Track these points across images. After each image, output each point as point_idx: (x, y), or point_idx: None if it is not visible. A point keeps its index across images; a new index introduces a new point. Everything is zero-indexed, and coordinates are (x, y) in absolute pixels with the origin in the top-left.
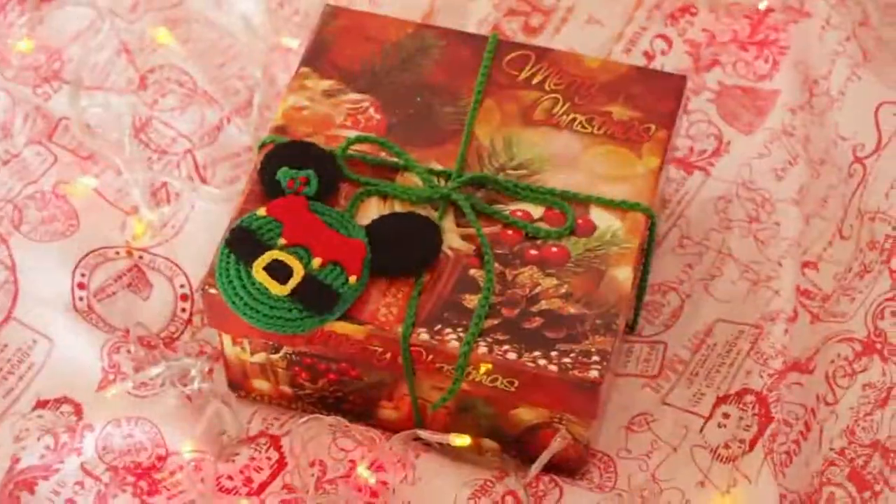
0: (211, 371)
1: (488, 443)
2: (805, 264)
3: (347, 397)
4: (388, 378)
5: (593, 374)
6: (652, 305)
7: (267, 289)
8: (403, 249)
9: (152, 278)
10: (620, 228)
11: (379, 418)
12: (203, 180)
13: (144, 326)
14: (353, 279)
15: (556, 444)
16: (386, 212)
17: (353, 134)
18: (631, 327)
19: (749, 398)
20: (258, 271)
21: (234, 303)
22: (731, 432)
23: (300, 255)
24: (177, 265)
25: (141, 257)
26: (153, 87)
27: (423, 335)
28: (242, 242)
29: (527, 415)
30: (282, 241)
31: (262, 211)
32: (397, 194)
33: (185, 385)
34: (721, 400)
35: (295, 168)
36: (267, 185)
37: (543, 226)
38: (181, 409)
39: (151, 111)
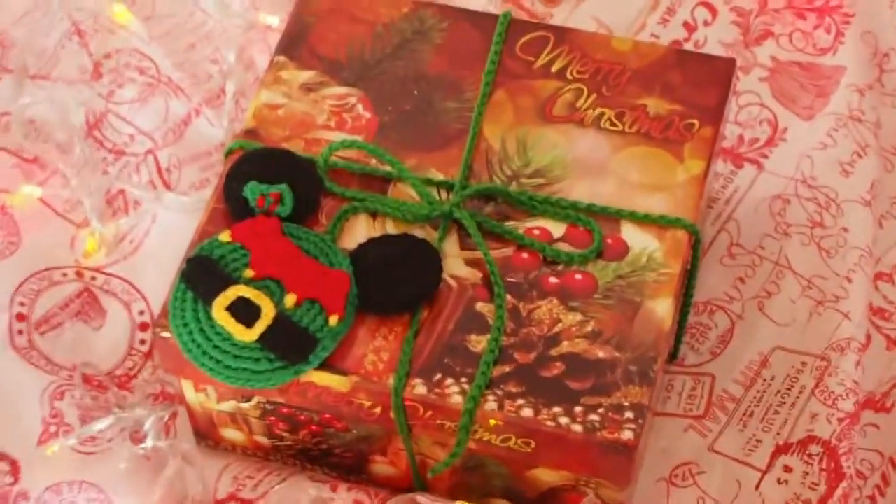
0: (174, 416)
1: None
2: (878, 276)
3: (333, 450)
4: (379, 432)
5: (627, 435)
6: (696, 328)
7: (230, 333)
8: (396, 281)
9: (106, 304)
10: (658, 250)
11: (372, 474)
12: (167, 186)
13: (93, 366)
14: (333, 320)
15: None
16: (376, 233)
17: (336, 138)
18: (672, 355)
19: (815, 448)
20: (219, 312)
21: (190, 350)
22: (794, 490)
23: (271, 290)
24: (135, 288)
25: (93, 279)
26: (109, 75)
27: (420, 388)
28: (201, 276)
29: (547, 476)
30: (249, 272)
31: (225, 235)
32: (389, 211)
33: (139, 441)
34: (781, 449)
35: (266, 182)
36: (232, 202)
37: (565, 247)
38: (135, 469)
39: (107, 104)
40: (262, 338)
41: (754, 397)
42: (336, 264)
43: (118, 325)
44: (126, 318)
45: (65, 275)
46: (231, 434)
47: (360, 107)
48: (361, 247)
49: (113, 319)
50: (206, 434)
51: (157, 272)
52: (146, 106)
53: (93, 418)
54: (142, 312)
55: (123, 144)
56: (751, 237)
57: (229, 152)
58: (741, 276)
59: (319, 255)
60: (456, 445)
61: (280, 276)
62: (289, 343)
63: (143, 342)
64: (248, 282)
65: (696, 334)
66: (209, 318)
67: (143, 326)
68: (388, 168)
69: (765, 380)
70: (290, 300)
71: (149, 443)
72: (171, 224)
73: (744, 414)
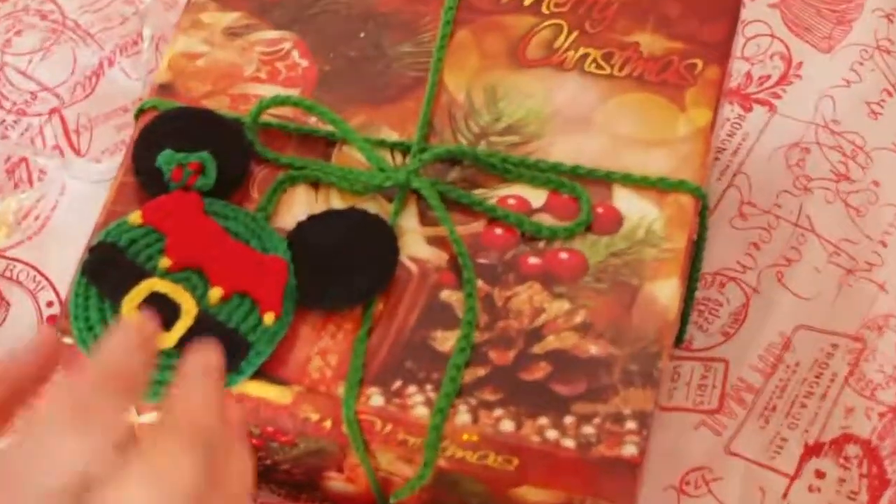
0: None
1: None
2: None
3: (279, 466)
4: (332, 446)
5: (629, 451)
6: (704, 304)
7: None
8: (342, 270)
9: (8, 294)
10: (658, 219)
11: (328, 491)
12: (76, 151)
13: None
14: (269, 318)
15: None
16: (318, 208)
17: (268, 92)
18: (677, 338)
19: (852, 449)
20: (131, 313)
21: None
22: (829, 500)
23: (192, 283)
24: (42, 274)
25: None
26: (5, 21)
27: (376, 398)
28: (106, 268)
29: (534, 496)
30: (165, 262)
31: (135, 217)
32: (334, 181)
33: None
34: (811, 451)
35: (183, 150)
36: (143, 175)
37: (547, 219)
38: None
39: (3, 55)
40: (183, 343)
41: (777, 387)
42: (270, 249)
43: (22, 319)
44: (32, 310)
45: None
46: None
47: (295, 54)
48: (300, 226)
49: (16, 313)
50: None
51: (66, 254)
52: (50, 56)
53: None
54: (50, 304)
55: (24, 103)
56: (765, 194)
57: (140, 112)
58: (755, 241)
59: (250, 237)
60: (423, 466)
61: (203, 265)
62: None
63: None
64: (165, 274)
65: (705, 311)
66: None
67: (53, 320)
68: (330, 128)
69: (788, 366)
70: (215, 295)
71: None
72: (83, 196)
73: (765, 408)
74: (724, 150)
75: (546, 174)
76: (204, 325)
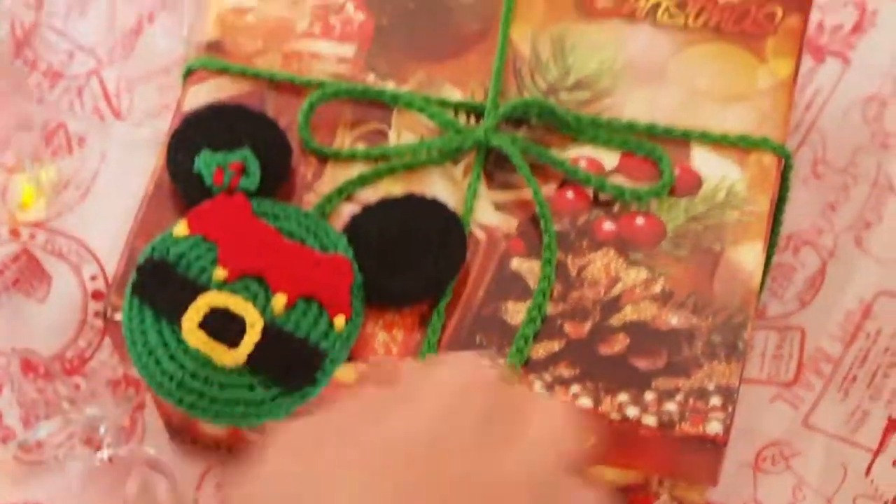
0: (140, 408)
1: None
2: None
3: None
4: None
5: (714, 428)
6: (779, 270)
7: (208, 358)
8: (411, 260)
9: (50, 268)
10: (741, 180)
11: None
12: (117, 115)
13: (34, 351)
14: (339, 322)
15: None
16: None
17: (322, 48)
18: None
19: None
20: (192, 332)
21: (160, 385)
22: None
23: (253, 291)
24: (85, 247)
25: (32, 238)
26: None
27: None
28: (158, 286)
29: (609, 475)
30: (220, 272)
31: (180, 228)
32: (407, 159)
33: (97, 447)
34: None
35: (221, 149)
36: (182, 181)
37: (621, 181)
38: (93, 480)
39: (37, 14)
40: (253, 358)
41: (857, 357)
42: (329, 246)
43: (66, 294)
44: (76, 284)
45: None
46: (213, 428)
47: (350, 7)
48: (357, 219)
49: (59, 288)
50: (180, 429)
51: (110, 225)
52: (86, 14)
53: (38, 419)
54: (94, 277)
55: (60, 65)
56: (840, 152)
57: (188, 73)
58: (831, 201)
59: (306, 236)
60: None
61: (261, 271)
62: (287, 362)
63: (97, 315)
64: (222, 285)
65: (779, 277)
66: (179, 339)
67: (97, 295)
68: (390, 87)
69: (868, 334)
70: (279, 303)
71: (105, 451)
72: (125, 163)
73: (845, 378)
74: (796, 105)
75: (620, 133)
76: (272, 338)
